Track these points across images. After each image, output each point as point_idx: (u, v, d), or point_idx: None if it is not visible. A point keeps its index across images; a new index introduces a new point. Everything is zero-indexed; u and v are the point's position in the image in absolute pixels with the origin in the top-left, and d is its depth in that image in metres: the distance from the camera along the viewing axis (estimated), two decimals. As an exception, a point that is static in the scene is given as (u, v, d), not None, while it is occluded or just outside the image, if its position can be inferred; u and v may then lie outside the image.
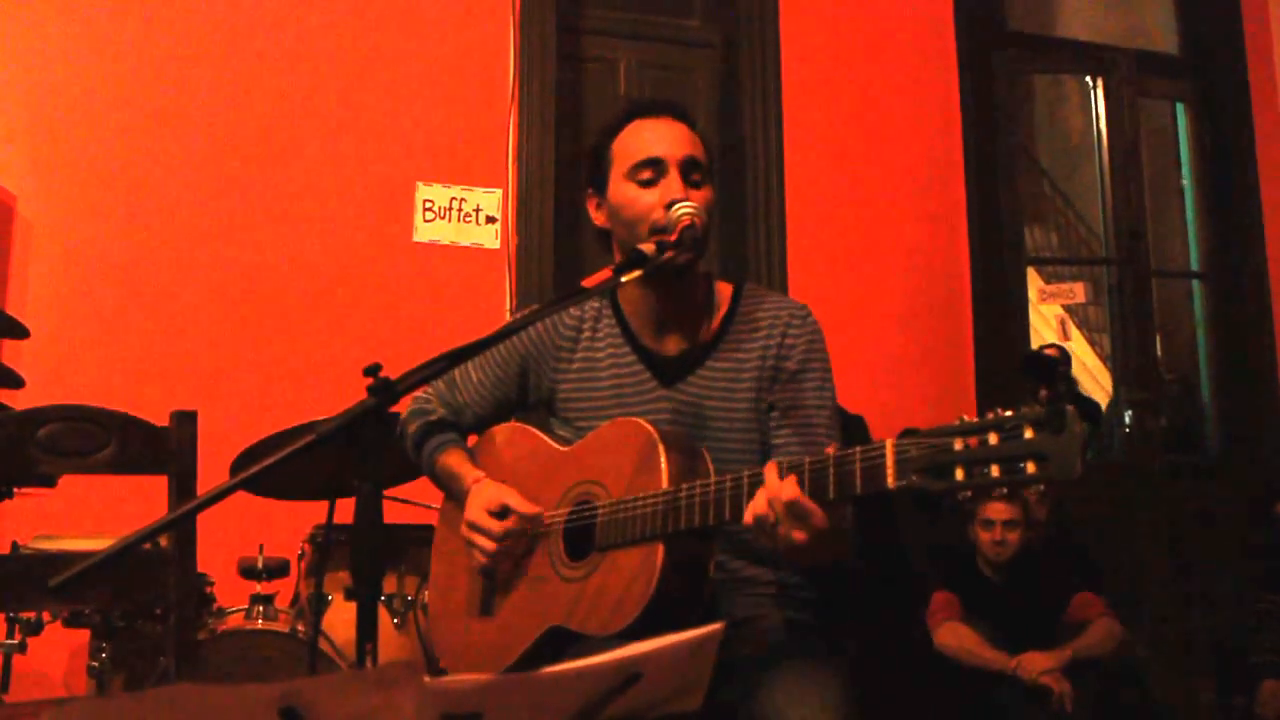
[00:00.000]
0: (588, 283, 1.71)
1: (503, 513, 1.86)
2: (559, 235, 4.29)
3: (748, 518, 1.55)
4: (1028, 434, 1.29)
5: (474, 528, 1.87)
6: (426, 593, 2.16)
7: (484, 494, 1.89)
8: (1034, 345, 5.25)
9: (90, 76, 3.95)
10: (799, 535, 1.50)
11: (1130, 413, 5.16)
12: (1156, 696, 4.05)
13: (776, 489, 1.51)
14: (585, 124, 4.58)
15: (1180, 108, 5.57)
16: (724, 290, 1.97)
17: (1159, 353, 5.39)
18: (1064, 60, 5.54)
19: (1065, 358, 5.66)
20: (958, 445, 1.34)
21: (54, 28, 3.93)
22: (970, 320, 4.78)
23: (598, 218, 1.98)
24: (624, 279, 1.69)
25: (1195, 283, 5.51)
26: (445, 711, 0.89)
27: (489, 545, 1.85)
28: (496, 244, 4.24)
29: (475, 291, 4.17)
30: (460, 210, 4.21)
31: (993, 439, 1.32)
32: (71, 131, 3.92)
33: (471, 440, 2.11)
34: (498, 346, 1.99)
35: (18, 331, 3.19)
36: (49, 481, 2.97)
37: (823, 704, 1.60)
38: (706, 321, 1.93)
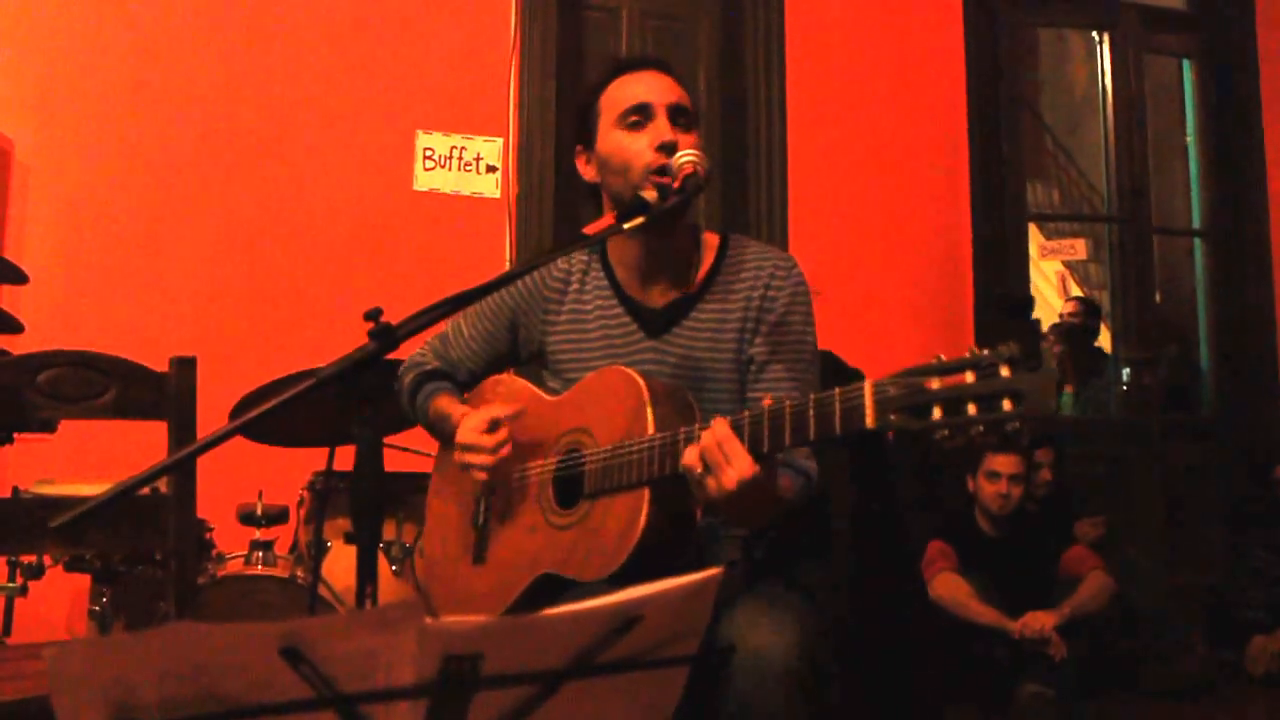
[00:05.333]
0: (589, 230, 1.70)
1: (493, 427, 1.87)
2: (559, 184, 4.27)
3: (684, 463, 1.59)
4: (1004, 372, 1.29)
5: (466, 448, 1.88)
6: (423, 541, 2.17)
7: (471, 418, 1.91)
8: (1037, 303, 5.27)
9: (89, 22, 3.91)
10: (727, 482, 1.53)
11: (1128, 370, 5.17)
12: (1147, 650, 4.09)
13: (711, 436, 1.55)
14: (587, 73, 4.54)
15: (1186, 64, 5.52)
16: (710, 240, 1.97)
17: (1158, 310, 5.39)
18: (1069, 14, 5.49)
19: (1089, 310, 5.68)
20: (934, 384, 1.34)
21: (50, -30, 3.89)
22: (971, 275, 4.77)
23: (587, 173, 1.98)
24: (627, 226, 1.69)
25: (1197, 240, 5.50)
26: (446, 652, 0.89)
27: (485, 459, 1.86)
28: (497, 193, 4.22)
29: (476, 240, 4.16)
30: (461, 159, 4.18)
31: (969, 377, 1.32)
32: (70, 77, 3.88)
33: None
34: (488, 301, 2.02)
35: (17, 277, 3.17)
36: (49, 426, 2.97)
37: (778, 629, 1.61)
38: (693, 272, 1.93)
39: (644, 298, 1.94)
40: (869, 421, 1.40)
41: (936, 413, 1.33)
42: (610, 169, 1.90)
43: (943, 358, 1.36)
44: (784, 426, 1.51)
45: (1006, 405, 1.28)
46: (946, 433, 1.33)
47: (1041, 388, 1.27)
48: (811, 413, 1.48)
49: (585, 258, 1.99)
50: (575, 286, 1.99)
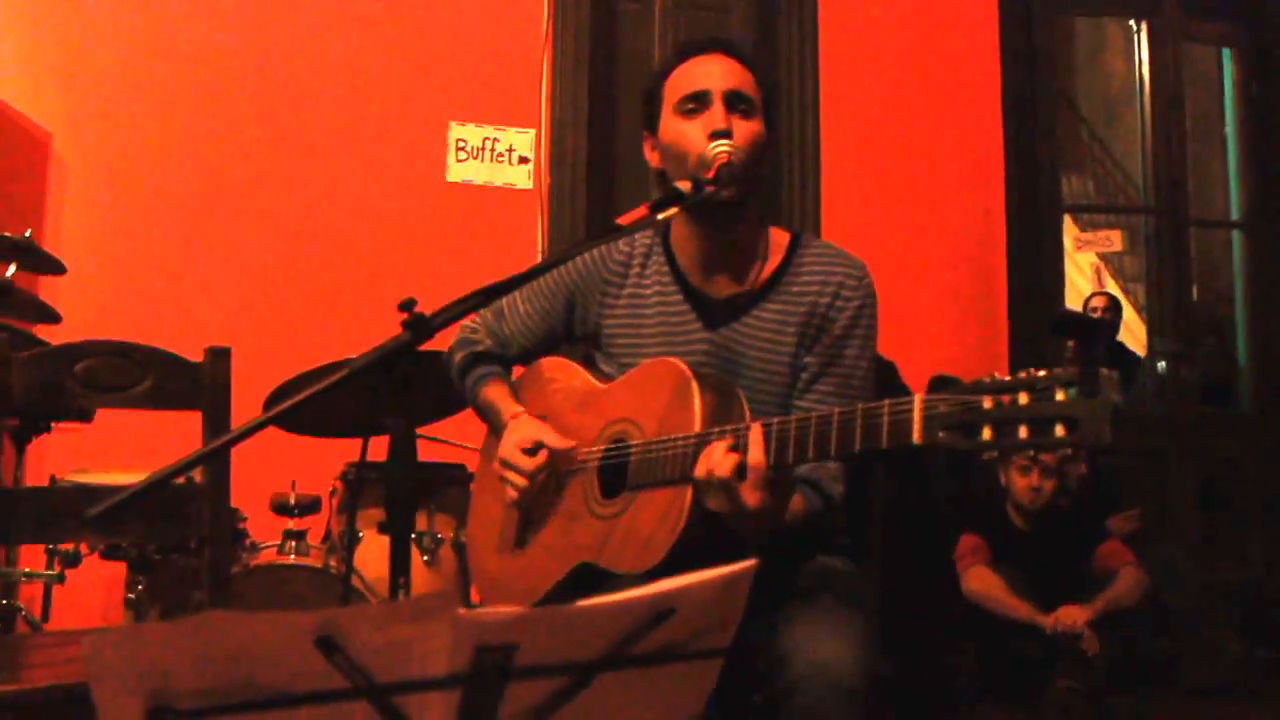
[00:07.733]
0: (623, 220, 1.69)
1: (536, 449, 1.86)
2: (591, 176, 4.27)
3: (699, 472, 1.60)
4: (1059, 396, 1.25)
5: (506, 464, 1.88)
6: (467, 525, 2.18)
7: (519, 430, 1.90)
8: (1068, 292, 5.21)
9: (124, 15, 3.94)
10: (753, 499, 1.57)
11: (1164, 363, 5.11)
12: (1183, 647, 4.05)
13: (758, 457, 1.56)
14: (619, 64, 4.53)
15: (1226, 53, 5.44)
16: (779, 238, 1.95)
17: (1195, 303, 5.33)
18: (1106, 3, 5.43)
19: (1114, 305, 5.58)
20: (987, 404, 1.31)
21: (87, -38, 3.92)
22: (1005, 267, 4.73)
23: (652, 159, 1.97)
24: (660, 217, 1.67)
25: (1235, 232, 5.42)
26: (480, 643, 0.89)
27: (520, 481, 1.86)
28: (529, 184, 4.22)
29: (507, 231, 4.17)
30: (493, 150, 4.19)
31: (1023, 399, 1.28)
32: (106, 69, 3.92)
33: (517, 372, 2.11)
34: (546, 278, 2.00)
35: (54, 268, 3.21)
36: (86, 416, 3.01)
37: (840, 644, 1.60)
38: (758, 268, 1.91)
39: (705, 288, 1.92)
40: (916, 437, 1.38)
41: (986, 433, 1.31)
42: (669, 156, 1.89)
43: (996, 375, 1.33)
44: (830, 434, 1.50)
45: (1059, 431, 1.25)
46: (995, 453, 1.31)
47: (1097, 416, 1.23)
48: (859, 423, 1.46)
49: (648, 241, 1.98)
50: (636, 270, 1.96)
